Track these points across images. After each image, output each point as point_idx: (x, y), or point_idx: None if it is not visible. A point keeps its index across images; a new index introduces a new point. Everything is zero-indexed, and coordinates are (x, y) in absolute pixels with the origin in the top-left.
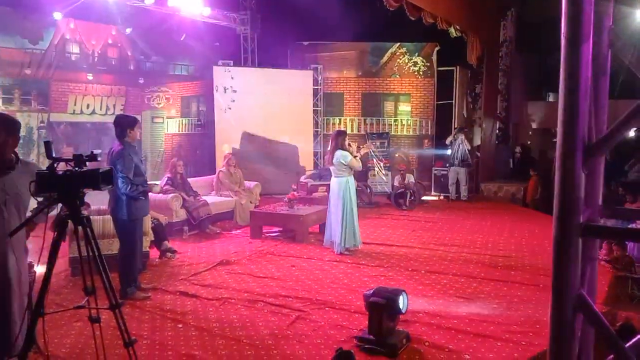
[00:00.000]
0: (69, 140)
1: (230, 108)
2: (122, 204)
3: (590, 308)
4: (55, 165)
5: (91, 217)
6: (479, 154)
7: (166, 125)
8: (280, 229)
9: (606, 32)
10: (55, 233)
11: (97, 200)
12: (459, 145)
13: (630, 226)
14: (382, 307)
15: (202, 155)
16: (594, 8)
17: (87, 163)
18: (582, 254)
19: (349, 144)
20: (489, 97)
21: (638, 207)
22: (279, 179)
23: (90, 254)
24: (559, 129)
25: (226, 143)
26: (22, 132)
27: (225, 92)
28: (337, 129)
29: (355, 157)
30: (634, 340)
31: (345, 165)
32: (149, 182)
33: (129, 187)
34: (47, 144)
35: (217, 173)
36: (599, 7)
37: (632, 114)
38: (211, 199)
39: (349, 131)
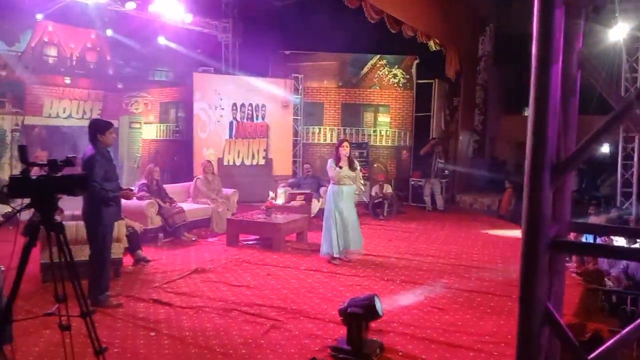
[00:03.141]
0: (44, 144)
1: (219, 121)
2: (94, 209)
3: (556, 321)
4: (29, 169)
5: (65, 222)
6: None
7: (144, 131)
8: (257, 237)
9: (575, 54)
10: (27, 238)
11: (70, 205)
12: (435, 157)
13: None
14: (361, 317)
15: (179, 161)
16: (565, 29)
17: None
18: (550, 268)
19: (342, 155)
20: (466, 110)
21: (601, 221)
22: (257, 187)
23: (63, 260)
24: (528, 148)
25: (204, 149)
26: None
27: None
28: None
29: (338, 167)
30: (597, 351)
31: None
32: (124, 188)
33: (98, 192)
34: (22, 148)
35: (194, 180)
36: (569, 28)
37: (596, 136)
38: (187, 205)
39: (327, 140)
